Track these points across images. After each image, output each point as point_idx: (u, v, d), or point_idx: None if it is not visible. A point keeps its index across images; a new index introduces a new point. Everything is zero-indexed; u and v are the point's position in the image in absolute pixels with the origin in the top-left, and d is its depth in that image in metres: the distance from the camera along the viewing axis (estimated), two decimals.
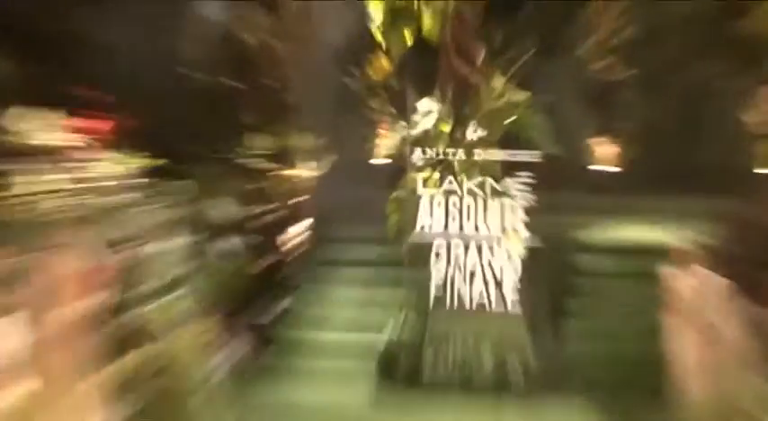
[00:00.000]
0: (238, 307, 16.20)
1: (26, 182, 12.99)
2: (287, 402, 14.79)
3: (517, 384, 15.11)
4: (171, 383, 12.67)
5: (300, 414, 14.43)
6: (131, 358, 12.09)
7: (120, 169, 13.93)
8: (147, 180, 14.04)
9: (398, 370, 15.52)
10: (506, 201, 15.32)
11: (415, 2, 15.46)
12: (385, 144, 17.63)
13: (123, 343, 12.33)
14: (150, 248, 13.38)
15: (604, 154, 19.96)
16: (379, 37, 15.59)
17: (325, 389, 15.48)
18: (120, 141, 14.44)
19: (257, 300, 16.94)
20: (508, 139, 15.78)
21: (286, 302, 17.50)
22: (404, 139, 16.52)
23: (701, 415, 12.20)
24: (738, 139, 18.59)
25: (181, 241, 14.15)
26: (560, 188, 16.45)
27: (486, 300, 15.53)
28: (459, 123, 15.88)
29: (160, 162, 14.47)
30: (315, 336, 16.71)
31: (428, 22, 15.37)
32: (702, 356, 12.64)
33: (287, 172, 18.11)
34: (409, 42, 15.45)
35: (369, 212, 17.39)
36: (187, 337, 12.95)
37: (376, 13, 15.60)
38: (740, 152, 18.50)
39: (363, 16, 15.88)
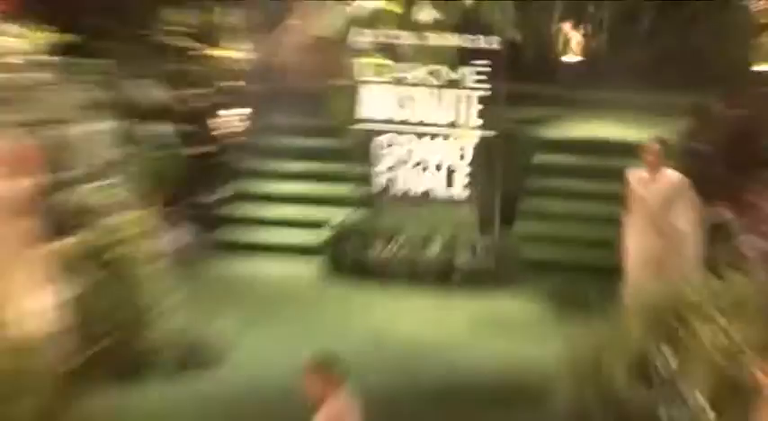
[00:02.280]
0: (178, 193, 15.84)
1: None
2: (238, 275, 15.07)
3: (463, 273, 15.13)
4: (116, 264, 12.25)
5: (253, 285, 14.73)
6: (73, 239, 11.80)
7: (25, 45, 13.24)
8: (57, 58, 13.40)
9: (346, 261, 15.44)
10: (461, 92, 15.08)
11: None
12: (323, 23, 16.95)
13: (62, 224, 12.06)
14: (74, 131, 12.83)
15: (571, 43, 20.23)
16: None
17: (275, 263, 15.75)
18: (24, 13, 13.58)
19: (197, 186, 16.52)
20: (467, 24, 15.37)
21: (229, 188, 17.16)
22: (345, 18, 16.17)
23: (648, 304, 11.14)
24: (737, 30, 18.90)
25: (106, 125, 13.64)
26: (521, 79, 16.22)
27: (436, 190, 15.62)
28: (412, 3, 15.54)
29: (69, 37, 13.72)
30: (262, 213, 16.89)
31: None
32: (652, 249, 12.80)
33: (214, 52, 17.56)
34: None
35: (308, 102, 17.37)
36: (128, 222, 12.49)
37: None
38: (739, 45, 18.78)
39: None
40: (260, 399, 11.88)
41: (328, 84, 16.67)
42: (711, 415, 9.67)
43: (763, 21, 18.63)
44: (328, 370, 8.45)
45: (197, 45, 17.09)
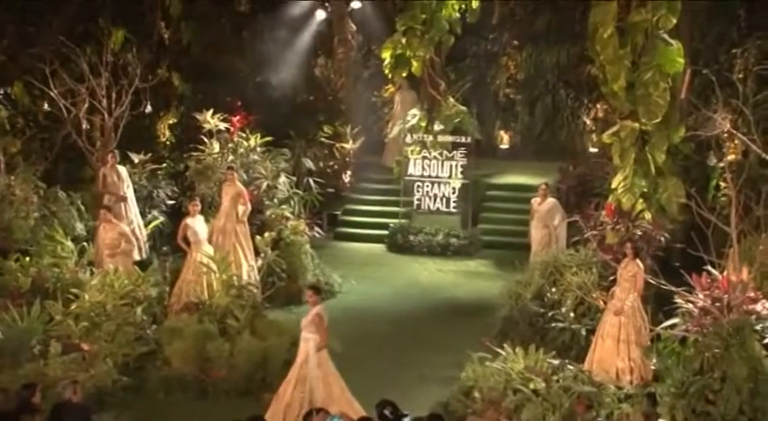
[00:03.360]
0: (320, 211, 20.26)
1: (210, 146, 17.96)
2: (345, 250, 19.46)
3: (453, 249, 19.84)
4: (287, 246, 17.07)
5: (353, 256, 19.52)
6: (267, 234, 16.70)
7: (250, 141, 18.49)
8: (263, 149, 18.58)
9: (397, 243, 20.03)
10: (452, 162, 20.26)
11: (407, 52, 19.42)
12: (393, 130, 21.51)
13: (262, 226, 17.21)
14: (271, 182, 18.08)
15: (503, 139, 24.23)
16: (387, 72, 19.71)
17: (363, 245, 20.46)
18: (249, 127, 19.05)
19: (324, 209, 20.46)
20: (454, 130, 20.12)
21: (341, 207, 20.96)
22: (401, 129, 20.76)
23: (539, 267, 15.40)
24: (580, 132, 23.07)
25: (286, 180, 18.82)
26: (480, 156, 21.24)
27: (441, 207, 20.40)
28: (430, 122, 20.11)
29: (269, 138, 18.88)
30: (358, 219, 21.09)
31: (415, 65, 19.39)
32: (542, 238, 17.41)
33: (340, 144, 21.83)
34: (404, 75, 19.57)
35: (382, 167, 22.42)
36: (293, 226, 17.35)
37: (386, 58, 19.57)
38: (580, 139, 23.03)
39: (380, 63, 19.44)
40: (361, 308, 16.68)
41: (393, 158, 21.58)
42: (572, 319, 13.93)
43: (592, 127, 22.56)
44: (317, 292, 11.90)
45: (333, 142, 21.93)
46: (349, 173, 21.98)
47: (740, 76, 15.67)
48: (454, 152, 20.22)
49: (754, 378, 11.46)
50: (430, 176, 20.38)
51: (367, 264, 19.09)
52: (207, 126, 18.51)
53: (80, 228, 17.56)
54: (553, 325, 14.10)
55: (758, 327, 12.01)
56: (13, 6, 18.66)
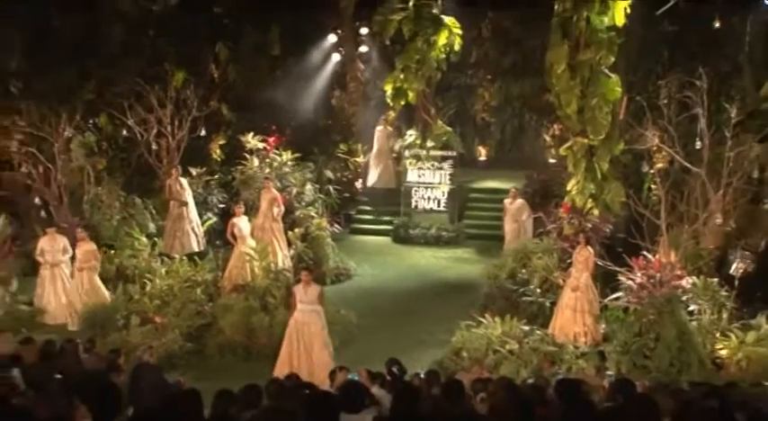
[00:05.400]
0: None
1: (251, 161, 17.84)
2: (359, 242, 18.94)
3: (444, 240, 19.48)
4: (312, 239, 16.83)
5: (364, 246, 18.71)
6: (297, 229, 16.61)
7: (283, 157, 18.46)
8: (293, 162, 18.55)
9: (400, 235, 19.53)
10: (441, 171, 20.04)
11: (404, 85, 19.13)
12: (394, 148, 21.11)
13: (292, 224, 16.98)
14: (301, 189, 18.07)
15: (482, 152, 23.96)
16: (389, 101, 19.47)
17: (373, 237, 19.86)
18: (282, 146, 18.99)
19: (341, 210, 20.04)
20: (443, 146, 19.99)
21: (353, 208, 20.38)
22: (401, 146, 20.64)
23: (512, 253, 15.34)
24: (541, 147, 22.83)
25: (312, 187, 18.91)
26: (463, 166, 20.95)
27: (433, 207, 20.18)
28: (423, 140, 20.02)
29: (298, 154, 18.97)
30: (366, 217, 20.37)
31: (411, 94, 19.21)
32: (513, 231, 17.34)
33: (353, 158, 21.93)
34: (403, 103, 19.46)
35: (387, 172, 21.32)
36: (317, 222, 17.16)
37: (388, 90, 19.30)
38: (541, 152, 22.66)
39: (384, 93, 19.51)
40: (371, 288, 16.75)
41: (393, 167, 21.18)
42: (538, 294, 13.95)
43: (550, 142, 22.25)
44: (311, 272, 12.14)
45: (347, 157, 21.78)
46: (361, 181, 21.81)
47: (665, 101, 15.46)
48: (443, 163, 20.08)
49: (681, 338, 11.74)
50: (424, 183, 20.19)
51: (376, 253, 18.97)
52: (248, 145, 18.61)
53: (152, 227, 17.73)
54: (524, 299, 14.11)
55: (684, 298, 12.38)
56: (98, 54, 18.74)
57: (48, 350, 9.51)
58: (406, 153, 20.08)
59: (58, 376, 7.83)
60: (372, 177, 21.44)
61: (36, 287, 14.69)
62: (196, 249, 17.27)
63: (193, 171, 18.74)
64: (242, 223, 15.76)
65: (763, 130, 15.17)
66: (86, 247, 14.36)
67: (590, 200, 14.38)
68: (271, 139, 18.97)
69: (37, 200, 17.24)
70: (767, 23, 18.83)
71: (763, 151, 14.90)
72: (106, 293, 14.24)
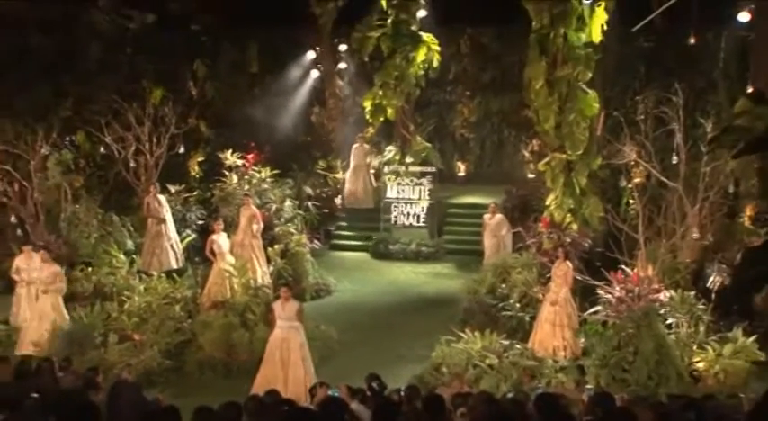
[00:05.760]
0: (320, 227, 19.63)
1: (230, 178, 17.88)
2: (338, 258, 18.76)
3: (423, 255, 19.32)
4: (291, 255, 16.71)
5: (344, 262, 18.66)
6: (276, 246, 16.53)
7: (261, 174, 18.45)
8: (272, 179, 18.53)
9: (379, 251, 19.23)
10: (420, 187, 19.92)
11: (383, 101, 19.19)
12: (373, 164, 21.16)
13: (272, 240, 16.90)
14: (277, 206, 17.97)
15: (461, 167, 23.62)
16: (368, 117, 19.56)
17: (353, 254, 19.48)
18: (261, 162, 18.98)
19: (321, 227, 19.74)
20: (422, 162, 20.04)
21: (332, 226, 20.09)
22: (380, 162, 20.72)
23: (491, 268, 15.38)
24: (520, 162, 22.74)
25: (291, 203, 18.75)
26: (442, 181, 20.78)
27: (413, 222, 20.02)
28: (403, 156, 20.13)
29: (277, 171, 18.95)
30: (346, 233, 20.16)
31: (390, 111, 19.31)
32: (492, 245, 17.21)
33: (333, 174, 21.59)
34: (382, 119, 19.54)
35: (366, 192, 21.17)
36: (296, 239, 17.08)
37: (367, 106, 19.40)
38: (520, 167, 22.55)
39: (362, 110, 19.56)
40: (351, 303, 16.63)
41: (373, 184, 20.91)
42: (518, 308, 13.96)
43: (529, 158, 21.94)
44: (290, 289, 12.36)
45: (327, 172, 21.49)
46: (340, 197, 21.58)
47: (642, 117, 15.84)
48: (422, 179, 20.00)
49: (659, 351, 11.81)
50: (404, 198, 20.11)
51: (356, 269, 18.91)
52: (227, 162, 18.60)
53: (130, 244, 17.70)
54: (503, 313, 14.13)
55: (661, 312, 12.48)
56: (75, 71, 18.59)
57: (23, 369, 9.44)
58: (386, 169, 20.10)
59: (35, 395, 7.75)
60: (348, 196, 21.34)
61: (12, 306, 14.60)
62: (175, 266, 17.21)
63: (172, 188, 18.67)
64: (221, 240, 15.70)
65: (737, 145, 15.30)
66: (51, 269, 13.95)
67: (569, 214, 14.37)
68: (249, 156, 18.94)
69: (13, 218, 17.15)
70: (741, 40, 18.95)
71: (738, 166, 14.89)
72: (66, 317, 13.87)
